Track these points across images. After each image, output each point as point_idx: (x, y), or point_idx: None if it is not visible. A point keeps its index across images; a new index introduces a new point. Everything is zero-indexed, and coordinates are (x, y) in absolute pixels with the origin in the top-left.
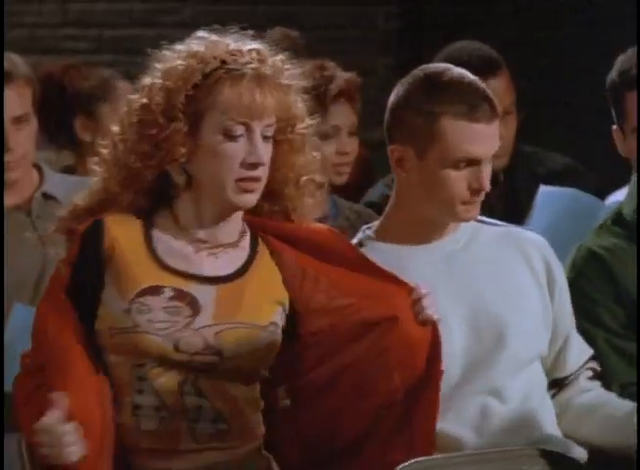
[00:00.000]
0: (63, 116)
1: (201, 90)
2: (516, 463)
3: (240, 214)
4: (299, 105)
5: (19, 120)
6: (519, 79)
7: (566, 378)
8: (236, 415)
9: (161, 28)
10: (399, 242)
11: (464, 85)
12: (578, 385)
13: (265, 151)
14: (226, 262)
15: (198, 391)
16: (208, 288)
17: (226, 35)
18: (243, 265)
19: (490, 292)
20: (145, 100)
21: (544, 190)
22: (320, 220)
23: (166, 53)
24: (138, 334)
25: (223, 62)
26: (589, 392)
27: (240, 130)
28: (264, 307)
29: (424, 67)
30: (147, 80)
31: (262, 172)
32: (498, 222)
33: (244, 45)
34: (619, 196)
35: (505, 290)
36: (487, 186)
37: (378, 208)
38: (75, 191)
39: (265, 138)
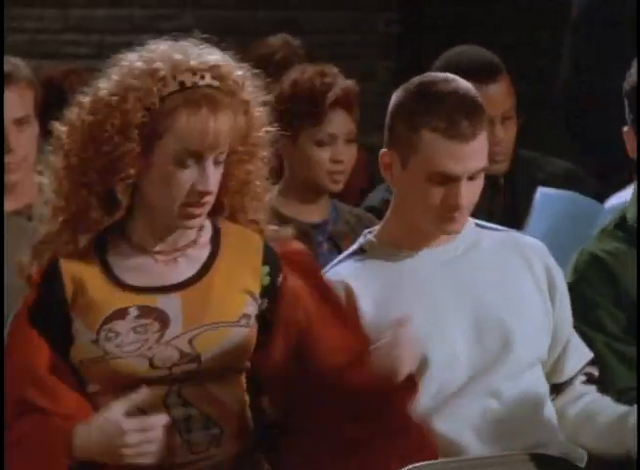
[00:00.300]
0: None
1: (158, 113)
2: (515, 468)
3: None
4: (257, 116)
5: (20, 122)
6: (518, 82)
7: (563, 383)
8: (225, 416)
9: (162, 34)
10: (401, 247)
11: (451, 99)
12: (574, 390)
13: (215, 178)
14: (187, 264)
15: (183, 401)
16: (174, 296)
17: (189, 44)
18: (205, 263)
19: (493, 297)
20: (100, 116)
21: (543, 192)
22: (321, 225)
23: (125, 63)
24: (110, 361)
25: (182, 83)
26: (583, 398)
27: (191, 161)
28: (233, 301)
29: (426, 74)
30: (102, 91)
31: (209, 199)
32: (499, 227)
33: (205, 60)
34: (618, 199)
35: (507, 295)
36: (464, 204)
37: (378, 212)
38: None
39: (217, 163)
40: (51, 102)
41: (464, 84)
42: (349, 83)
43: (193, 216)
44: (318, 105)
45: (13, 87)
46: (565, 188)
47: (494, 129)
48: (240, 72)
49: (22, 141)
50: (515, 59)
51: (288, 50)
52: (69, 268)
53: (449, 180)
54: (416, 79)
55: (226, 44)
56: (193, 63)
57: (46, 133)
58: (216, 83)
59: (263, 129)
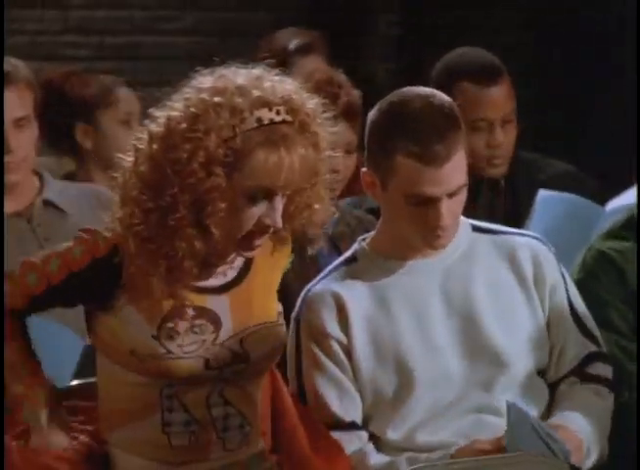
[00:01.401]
0: (63, 122)
1: (235, 149)
2: (517, 469)
3: None
4: (324, 147)
5: (20, 122)
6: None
7: (551, 385)
8: (255, 414)
9: (162, 35)
10: (393, 255)
11: (423, 120)
12: (556, 391)
13: (280, 212)
14: (229, 268)
15: (224, 400)
16: (222, 298)
17: (262, 72)
18: (243, 265)
19: (482, 308)
20: (182, 153)
21: (543, 195)
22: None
23: (201, 93)
24: (171, 360)
25: (259, 120)
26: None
27: (262, 195)
28: (270, 301)
29: (399, 92)
30: (180, 125)
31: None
32: (496, 228)
33: (279, 93)
34: (620, 201)
35: (498, 310)
36: (446, 223)
37: (378, 214)
38: (76, 198)
39: (284, 196)
40: (51, 104)
41: (439, 100)
42: (353, 95)
43: (253, 248)
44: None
45: (12, 88)
46: (566, 189)
47: (494, 132)
48: (311, 105)
49: (22, 142)
50: (515, 61)
51: (306, 37)
52: (131, 255)
53: (429, 201)
54: (389, 97)
55: (227, 45)
56: (270, 98)
57: (46, 135)
58: (289, 118)
59: (328, 158)
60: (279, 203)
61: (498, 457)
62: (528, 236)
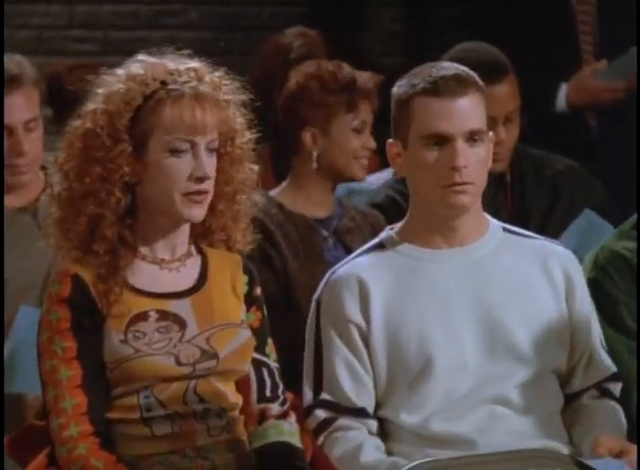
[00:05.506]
0: (60, 115)
1: (144, 112)
2: (523, 465)
3: (186, 226)
4: (238, 119)
5: (29, 125)
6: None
7: (573, 395)
8: (233, 409)
9: (168, 30)
10: (421, 244)
11: (436, 67)
12: (579, 402)
13: (210, 164)
14: (188, 273)
15: (199, 398)
16: (184, 301)
17: (164, 57)
18: (201, 271)
19: (507, 305)
20: (89, 125)
21: (588, 214)
22: (326, 220)
23: (107, 78)
24: (141, 358)
25: (163, 82)
26: (581, 410)
27: (184, 147)
28: (232, 305)
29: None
30: (90, 106)
31: (209, 185)
32: (529, 234)
33: (181, 65)
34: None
35: (522, 307)
36: (461, 163)
37: (382, 209)
38: None
39: (210, 151)
40: (51, 96)
41: (454, 64)
42: (374, 75)
43: (194, 203)
44: (354, 92)
45: (20, 90)
46: (570, 185)
47: (496, 130)
48: (216, 74)
49: (33, 143)
50: (518, 57)
51: (307, 40)
52: (90, 279)
53: (444, 141)
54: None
55: (232, 40)
56: (170, 65)
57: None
58: (195, 82)
59: (247, 135)
60: (203, 154)
61: (505, 452)
62: (558, 245)
